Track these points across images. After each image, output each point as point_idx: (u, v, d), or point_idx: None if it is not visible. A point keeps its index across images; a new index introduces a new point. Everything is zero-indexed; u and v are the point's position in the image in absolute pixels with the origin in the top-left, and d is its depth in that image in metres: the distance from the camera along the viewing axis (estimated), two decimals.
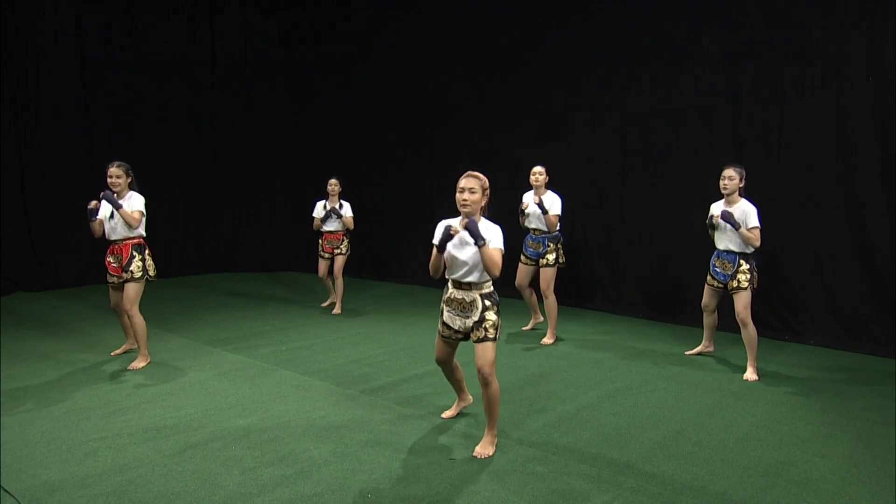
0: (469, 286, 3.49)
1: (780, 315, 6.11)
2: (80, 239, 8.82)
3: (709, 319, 5.33)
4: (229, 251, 10.50)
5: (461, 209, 3.42)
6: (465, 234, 3.42)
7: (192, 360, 5.27)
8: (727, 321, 6.40)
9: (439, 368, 4.08)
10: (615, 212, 7.28)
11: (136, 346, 5.30)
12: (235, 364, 5.16)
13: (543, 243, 5.88)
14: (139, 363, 5.06)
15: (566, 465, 3.35)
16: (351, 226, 7.11)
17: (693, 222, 6.04)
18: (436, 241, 3.47)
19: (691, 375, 4.91)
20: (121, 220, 4.91)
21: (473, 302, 3.48)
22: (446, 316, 3.59)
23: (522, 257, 6.05)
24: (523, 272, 6.07)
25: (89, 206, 4.99)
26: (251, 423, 3.89)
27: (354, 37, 9.87)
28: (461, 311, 3.51)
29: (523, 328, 6.44)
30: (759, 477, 3.23)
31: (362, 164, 9.71)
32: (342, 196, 7.18)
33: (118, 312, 5.27)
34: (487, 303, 3.49)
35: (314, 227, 7.19)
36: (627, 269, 7.25)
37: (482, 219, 3.47)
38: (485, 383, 3.45)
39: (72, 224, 8.78)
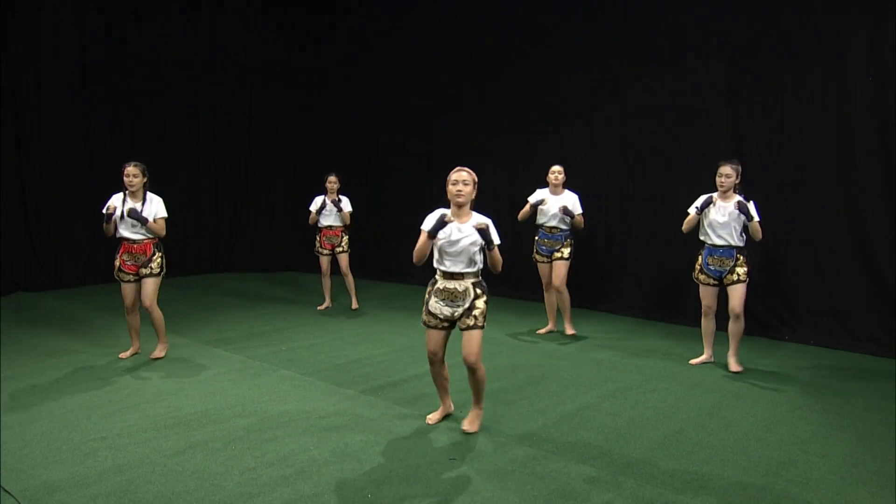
0: (462, 276, 3.57)
1: (780, 315, 6.10)
2: (80, 239, 8.84)
3: (712, 324, 5.17)
4: (229, 251, 10.49)
5: (456, 199, 3.52)
6: (462, 226, 3.50)
7: (192, 360, 5.27)
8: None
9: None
10: (615, 212, 7.28)
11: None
12: (235, 364, 5.16)
13: (561, 240, 5.94)
14: (160, 352, 5.29)
15: (566, 465, 3.35)
16: (348, 221, 7.10)
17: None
18: (427, 226, 3.52)
19: (691, 375, 4.91)
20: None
21: (466, 291, 3.57)
22: (432, 305, 3.63)
23: (538, 256, 6.01)
24: (546, 271, 6.01)
25: (106, 212, 4.92)
26: (251, 423, 3.89)
27: (354, 37, 9.87)
28: (451, 300, 3.57)
29: (539, 331, 6.28)
30: (759, 477, 3.23)
31: (362, 164, 9.71)
32: (341, 192, 7.16)
33: (131, 312, 5.17)
34: (479, 290, 3.59)
35: (310, 221, 7.11)
36: (627, 269, 7.25)
37: (472, 212, 3.58)
38: (472, 370, 3.60)
39: (72, 224, 8.79)
